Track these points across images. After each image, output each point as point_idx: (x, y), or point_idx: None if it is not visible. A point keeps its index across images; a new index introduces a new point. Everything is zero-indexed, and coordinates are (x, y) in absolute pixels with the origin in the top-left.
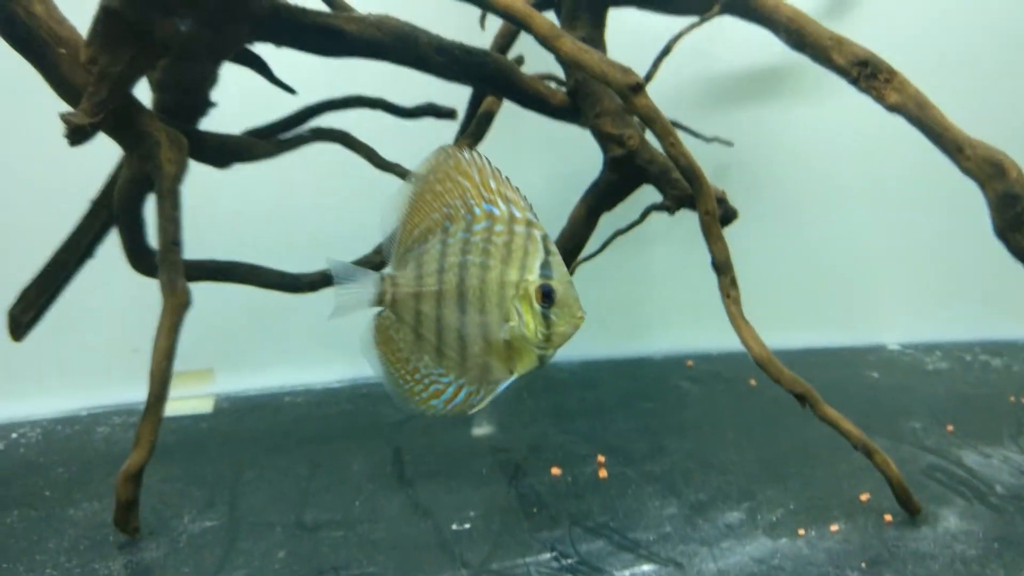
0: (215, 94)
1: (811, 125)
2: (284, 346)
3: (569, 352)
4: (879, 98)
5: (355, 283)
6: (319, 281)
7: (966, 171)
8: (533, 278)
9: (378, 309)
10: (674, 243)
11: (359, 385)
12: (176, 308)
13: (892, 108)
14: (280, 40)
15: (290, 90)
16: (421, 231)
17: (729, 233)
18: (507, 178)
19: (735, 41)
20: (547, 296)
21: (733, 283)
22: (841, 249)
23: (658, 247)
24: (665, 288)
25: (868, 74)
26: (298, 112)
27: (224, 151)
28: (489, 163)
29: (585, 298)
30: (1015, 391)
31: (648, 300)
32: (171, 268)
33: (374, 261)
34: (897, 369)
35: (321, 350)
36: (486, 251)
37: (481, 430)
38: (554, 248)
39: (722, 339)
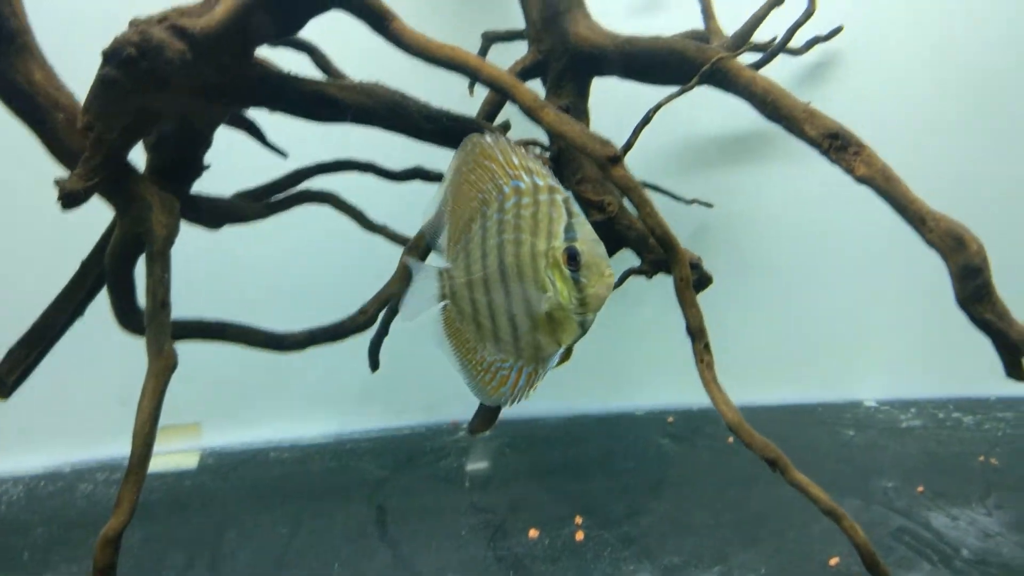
0: (209, 156)
1: (789, 186)
2: (272, 400)
3: (555, 407)
4: (848, 170)
5: (418, 282)
6: (305, 340)
7: (930, 243)
8: (559, 244)
9: (444, 303)
10: (656, 300)
11: (344, 440)
12: (162, 370)
13: (860, 180)
14: (273, 106)
15: (282, 153)
16: (465, 221)
17: (709, 291)
18: (528, 150)
19: (716, 106)
20: (572, 259)
21: (707, 348)
22: (819, 307)
23: (642, 304)
24: (648, 344)
25: (838, 146)
26: (289, 175)
27: (216, 213)
28: (510, 142)
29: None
30: (985, 451)
31: (632, 356)
32: (159, 330)
33: (358, 321)
34: (872, 427)
35: (309, 405)
36: (518, 226)
37: (464, 488)
38: (576, 209)
39: (702, 396)
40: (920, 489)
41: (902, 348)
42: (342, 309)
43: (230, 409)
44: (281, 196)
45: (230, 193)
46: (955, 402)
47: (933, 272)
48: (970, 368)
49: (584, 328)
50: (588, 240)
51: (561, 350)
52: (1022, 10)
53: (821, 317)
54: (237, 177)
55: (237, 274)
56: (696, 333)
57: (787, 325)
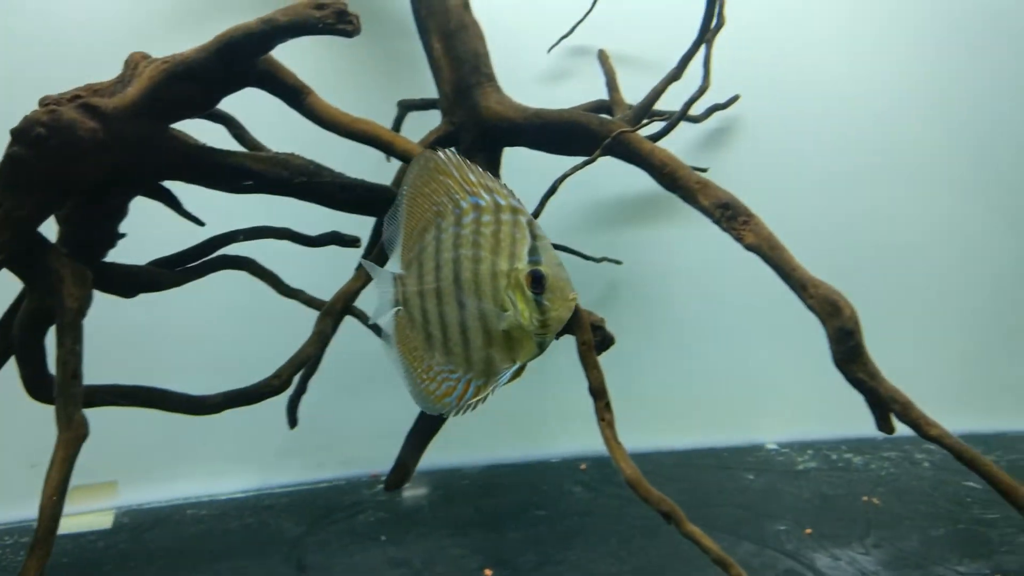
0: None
1: (692, 245)
2: (190, 456)
3: (473, 457)
4: (738, 238)
5: (381, 285)
6: (221, 404)
7: (810, 307)
8: (522, 265)
9: (397, 309)
10: (571, 351)
11: (263, 495)
12: (70, 441)
13: (748, 247)
14: (190, 179)
15: (198, 222)
16: (419, 231)
17: (619, 343)
18: (485, 171)
19: (622, 170)
20: (537, 282)
21: (607, 407)
22: (723, 357)
23: (557, 355)
24: (563, 393)
25: (729, 216)
26: (205, 242)
27: (130, 282)
28: (465, 160)
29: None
30: (868, 490)
31: (548, 405)
32: (68, 401)
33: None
34: (771, 470)
35: (227, 460)
36: (476, 243)
37: (380, 541)
38: (541, 232)
39: None
40: (808, 531)
41: (800, 393)
42: (259, 371)
43: (147, 466)
44: (197, 263)
45: (145, 261)
46: (848, 443)
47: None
48: (861, 410)
49: (542, 348)
50: (552, 264)
51: (515, 367)
52: (916, 67)
53: (725, 366)
54: (154, 245)
55: (155, 337)
56: (597, 393)
57: (693, 375)
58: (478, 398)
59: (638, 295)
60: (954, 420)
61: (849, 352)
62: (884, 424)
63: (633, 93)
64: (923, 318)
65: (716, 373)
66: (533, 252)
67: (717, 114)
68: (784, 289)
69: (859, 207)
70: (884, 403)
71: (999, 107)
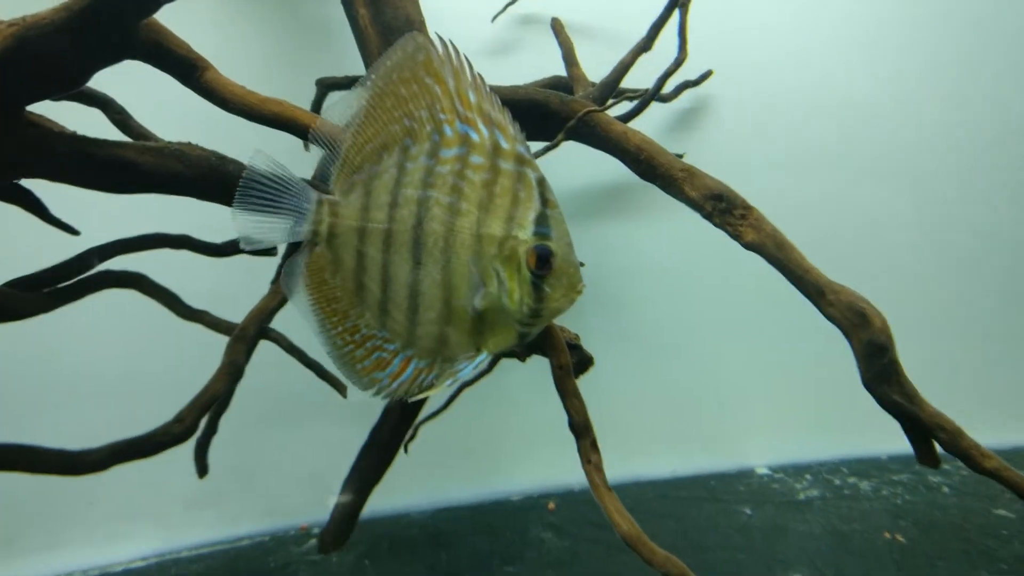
0: None
1: (671, 243)
2: (76, 518)
3: (420, 498)
4: (735, 235)
5: (282, 198)
6: (107, 458)
7: (830, 317)
8: (525, 236)
9: (314, 243)
10: (528, 366)
11: (168, 560)
12: None
13: (749, 246)
14: (56, 176)
15: (71, 230)
16: (375, 146)
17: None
18: (492, 92)
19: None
20: (543, 261)
21: (594, 446)
22: (703, 368)
23: (512, 370)
24: (520, 411)
25: (723, 209)
26: (81, 255)
27: None
28: (471, 66)
29: (436, 436)
30: (888, 524)
31: (503, 427)
32: None
33: (173, 432)
34: (768, 501)
35: (122, 520)
36: (457, 189)
37: None
38: (553, 197)
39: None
40: None
41: (790, 409)
42: (157, 412)
43: (23, 533)
44: (72, 282)
45: None
46: (848, 464)
47: (815, 329)
48: (859, 425)
49: (522, 340)
50: (563, 242)
51: (482, 357)
52: (889, 39)
53: (705, 379)
54: (10, 262)
55: (23, 375)
56: (580, 429)
57: (670, 389)
58: (431, 389)
59: (604, 300)
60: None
61: (882, 371)
62: (927, 456)
63: (594, 68)
64: (929, 323)
65: (695, 387)
66: (541, 222)
67: (688, 92)
68: (771, 291)
69: (846, 202)
70: (928, 431)
71: (1003, 102)
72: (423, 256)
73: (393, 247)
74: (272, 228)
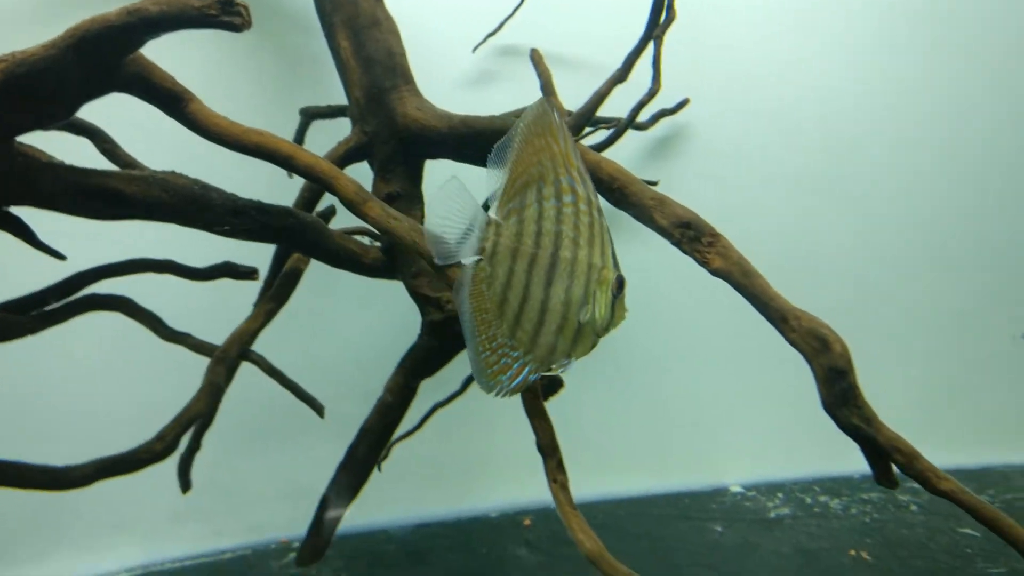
0: None
1: (644, 266)
2: (57, 527)
3: (398, 515)
4: (703, 262)
5: (466, 219)
6: (91, 475)
7: (792, 343)
8: (611, 266)
9: (479, 259)
10: None
11: (151, 573)
12: None
13: (716, 273)
14: (44, 204)
15: (58, 255)
16: (522, 183)
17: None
18: (582, 155)
19: None
20: (620, 286)
21: (560, 467)
22: (677, 387)
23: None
24: (498, 431)
25: (691, 237)
26: (67, 279)
27: None
28: (572, 137)
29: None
30: (855, 542)
31: (483, 450)
32: None
33: (155, 450)
34: (740, 519)
35: (105, 532)
36: (576, 227)
37: None
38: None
39: None
40: None
41: (764, 427)
42: (139, 431)
43: (8, 545)
44: (58, 305)
45: None
46: (820, 483)
47: (788, 350)
48: (831, 444)
49: (592, 348)
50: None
51: (571, 362)
52: (865, 70)
53: (678, 398)
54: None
55: (10, 394)
56: (547, 450)
57: (643, 407)
58: (523, 385)
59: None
60: (937, 456)
61: (841, 394)
62: (885, 477)
63: (572, 98)
64: (895, 344)
65: (668, 405)
66: (615, 257)
67: (664, 120)
68: (745, 312)
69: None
70: (885, 453)
71: (995, 111)
72: (554, 277)
73: (535, 268)
74: (462, 244)
